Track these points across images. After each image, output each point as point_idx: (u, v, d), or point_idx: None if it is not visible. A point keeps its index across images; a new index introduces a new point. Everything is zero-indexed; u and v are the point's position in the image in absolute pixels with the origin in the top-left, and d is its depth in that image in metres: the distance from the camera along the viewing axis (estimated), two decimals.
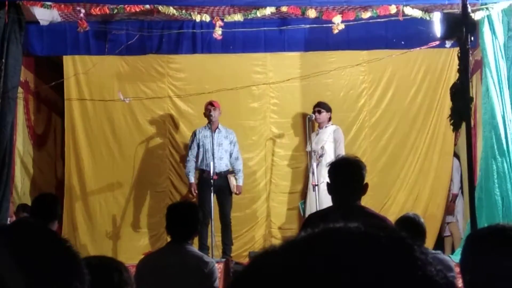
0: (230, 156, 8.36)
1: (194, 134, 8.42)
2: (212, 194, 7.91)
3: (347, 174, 3.82)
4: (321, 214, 4.21)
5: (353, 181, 3.81)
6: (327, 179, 3.91)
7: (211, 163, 7.97)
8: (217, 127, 8.33)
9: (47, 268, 1.16)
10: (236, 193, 8.28)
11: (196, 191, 8.20)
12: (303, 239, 0.81)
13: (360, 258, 0.76)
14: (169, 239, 4.63)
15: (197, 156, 8.32)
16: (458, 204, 9.14)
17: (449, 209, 9.10)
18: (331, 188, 3.86)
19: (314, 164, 8.14)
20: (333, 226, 0.82)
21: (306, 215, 7.72)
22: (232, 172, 8.36)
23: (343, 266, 0.75)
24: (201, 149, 8.29)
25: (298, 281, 0.75)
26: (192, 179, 8.27)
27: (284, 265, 0.78)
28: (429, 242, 7.68)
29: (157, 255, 4.65)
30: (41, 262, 1.14)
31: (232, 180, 8.24)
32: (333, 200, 3.92)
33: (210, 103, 8.31)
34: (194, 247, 5.06)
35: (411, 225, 4.98)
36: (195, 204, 5.75)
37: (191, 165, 8.31)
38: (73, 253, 1.27)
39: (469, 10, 6.26)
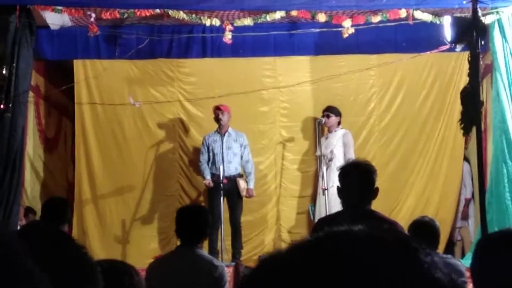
0: (241, 158, 8.36)
1: (203, 139, 8.45)
2: (222, 198, 7.91)
3: (358, 178, 3.81)
4: (331, 219, 4.20)
5: (363, 185, 3.80)
6: (337, 183, 3.91)
7: (221, 167, 7.97)
8: (227, 131, 8.33)
9: (63, 274, 1.16)
10: (246, 196, 8.27)
11: (211, 185, 8.15)
12: (308, 242, 0.81)
13: (364, 260, 0.76)
14: (178, 243, 4.63)
15: (208, 161, 8.33)
16: (469, 209, 9.10)
17: (463, 214, 9.05)
18: (341, 192, 3.85)
19: (324, 168, 8.11)
20: (338, 229, 0.82)
21: (316, 219, 7.70)
22: (242, 175, 8.36)
23: (346, 269, 0.75)
24: (210, 154, 8.30)
25: (302, 283, 0.76)
26: (207, 176, 8.26)
27: (290, 267, 0.78)
28: (439, 247, 7.64)
29: (167, 259, 4.65)
30: (57, 268, 1.14)
31: (241, 184, 8.22)
32: (343, 204, 3.91)
33: (218, 108, 8.32)
34: (204, 251, 5.07)
35: (426, 230, 4.96)
36: (205, 208, 5.75)
37: (204, 167, 8.33)
38: (88, 259, 1.28)
39: (480, 14, 6.26)
